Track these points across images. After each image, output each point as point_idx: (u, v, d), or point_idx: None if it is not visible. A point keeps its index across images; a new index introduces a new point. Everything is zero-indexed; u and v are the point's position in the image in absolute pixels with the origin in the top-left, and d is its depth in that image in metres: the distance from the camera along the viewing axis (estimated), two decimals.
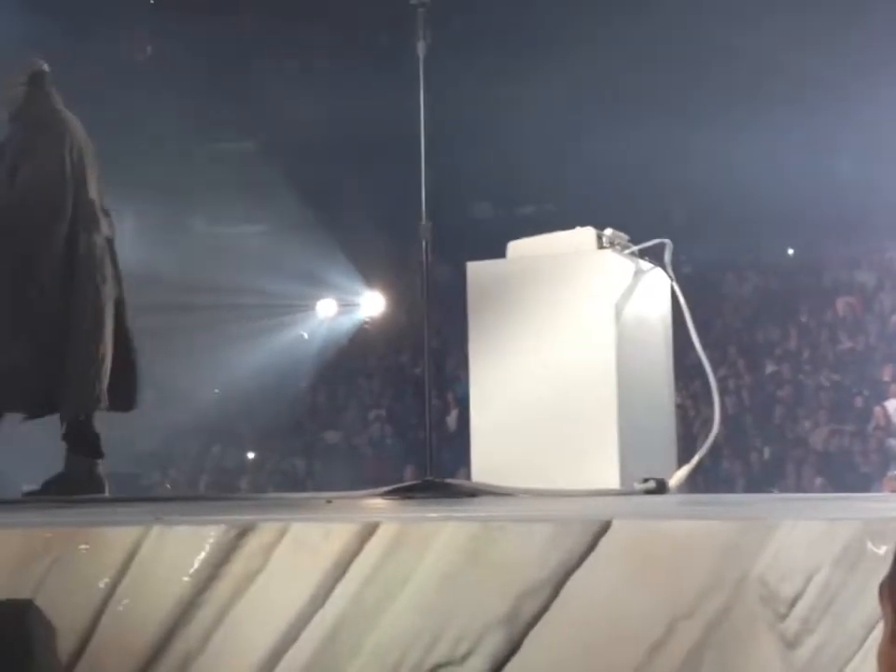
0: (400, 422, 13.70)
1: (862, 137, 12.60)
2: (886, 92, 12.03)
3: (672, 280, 4.64)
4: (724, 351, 13.34)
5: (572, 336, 4.32)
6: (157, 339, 14.17)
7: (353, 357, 15.67)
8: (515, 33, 13.01)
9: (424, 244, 4.32)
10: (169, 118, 12.95)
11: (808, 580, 2.24)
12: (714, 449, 11.11)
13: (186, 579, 2.54)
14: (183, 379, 13.94)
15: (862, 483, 11.13)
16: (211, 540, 2.56)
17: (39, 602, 2.54)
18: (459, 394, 11.55)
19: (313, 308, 16.34)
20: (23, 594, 2.56)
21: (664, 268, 4.62)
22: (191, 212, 13.98)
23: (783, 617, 2.25)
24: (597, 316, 4.28)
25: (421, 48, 4.41)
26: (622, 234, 4.59)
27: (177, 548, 2.58)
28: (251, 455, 14.73)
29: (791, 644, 2.24)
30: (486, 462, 4.42)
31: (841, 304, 14.06)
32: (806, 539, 2.29)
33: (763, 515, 2.71)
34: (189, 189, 13.84)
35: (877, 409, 12.14)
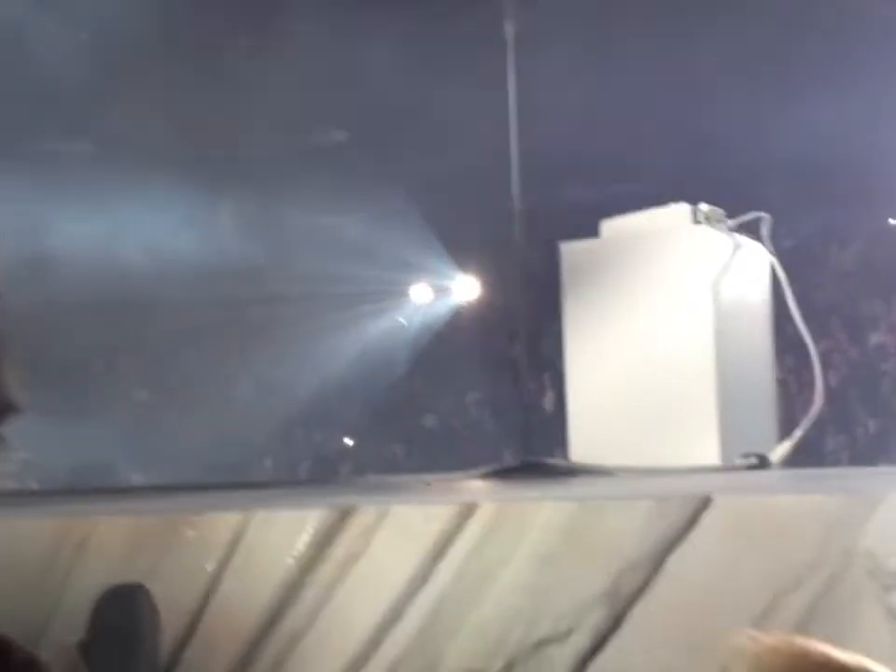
0: (498, 405, 13.71)
1: None
2: None
3: (771, 254, 4.57)
4: (827, 324, 13.08)
5: (669, 314, 4.27)
6: (257, 330, 14.43)
7: (449, 342, 15.72)
8: (608, 11, 12.88)
9: (516, 225, 4.32)
10: (262, 110, 13.10)
11: None
12: (818, 424, 10.89)
13: (290, 561, 2.59)
14: (283, 369, 14.15)
15: None
16: (314, 524, 2.60)
17: (150, 586, 2.62)
18: (554, 376, 11.52)
19: (408, 294, 16.43)
20: (133, 578, 2.63)
21: (761, 242, 4.55)
22: (286, 204, 14.13)
23: (890, 589, 2.22)
24: (694, 293, 4.23)
25: (509, 27, 4.40)
26: (717, 209, 4.52)
27: (281, 532, 2.63)
28: (351, 442, 14.90)
29: None
30: (584, 442, 4.40)
31: None
32: None
33: (868, 488, 2.67)
34: (283, 182, 14.00)
35: None
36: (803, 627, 2.29)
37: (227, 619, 2.62)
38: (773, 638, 0.91)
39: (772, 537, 2.35)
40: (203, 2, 12.05)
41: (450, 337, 15.89)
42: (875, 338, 13.47)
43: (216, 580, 2.63)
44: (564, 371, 4.60)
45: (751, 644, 0.91)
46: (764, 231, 4.47)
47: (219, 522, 2.69)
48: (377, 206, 14.52)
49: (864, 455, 11.39)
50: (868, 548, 2.26)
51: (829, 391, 10.63)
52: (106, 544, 2.73)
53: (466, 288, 16.40)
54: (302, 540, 2.58)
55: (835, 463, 11.06)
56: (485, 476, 4.08)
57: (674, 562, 2.41)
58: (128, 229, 12.98)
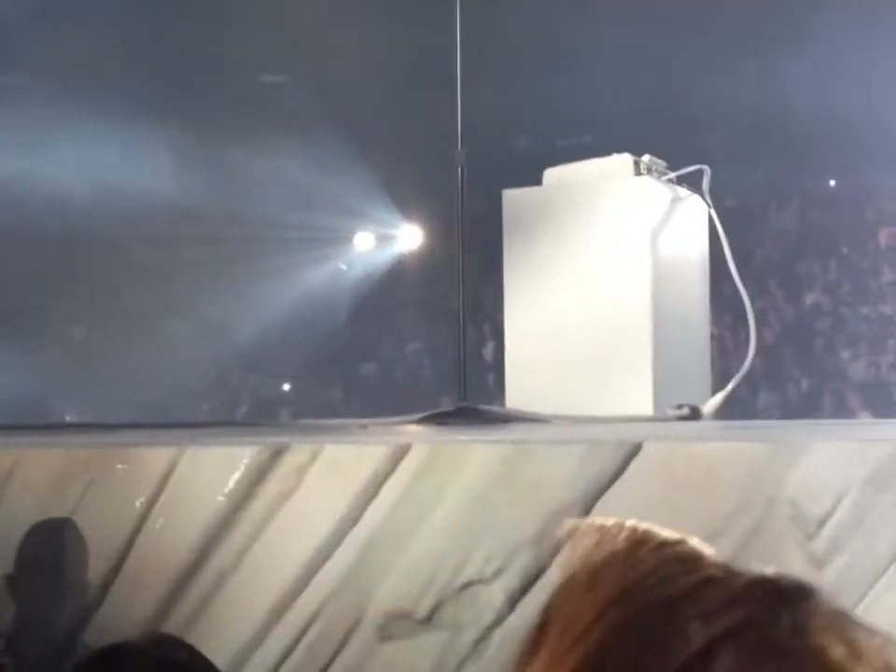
0: (438, 354, 13.73)
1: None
2: None
3: (710, 207, 4.59)
4: (764, 282, 13.23)
5: (607, 263, 4.28)
6: (194, 272, 14.28)
7: (391, 290, 15.68)
8: None
9: (459, 171, 4.29)
10: (204, 46, 12.90)
11: (838, 500, 2.24)
12: (752, 380, 11.07)
13: (220, 498, 2.58)
14: (220, 311, 14.04)
15: None
16: (246, 461, 2.59)
17: (78, 520, 2.60)
18: (495, 326, 11.55)
19: (350, 241, 16.34)
20: (62, 512, 2.61)
21: (702, 195, 4.56)
22: (228, 144, 13.95)
23: (812, 536, 2.26)
24: (633, 243, 4.24)
25: None
26: (659, 161, 4.53)
27: (212, 468, 2.62)
28: (289, 387, 14.86)
29: (819, 563, 2.25)
30: (520, 390, 4.42)
31: (884, 235, 13.88)
32: (837, 460, 2.29)
33: (793, 439, 2.71)
34: (224, 122, 13.81)
35: None
36: None
37: (155, 555, 2.61)
38: (602, 521, 0.92)
39: (699, 483, 2.38)
40: None
41: (392, 285, 15.86)
42: (810, 297, 13.65)
43: (145, 515, 2.62)
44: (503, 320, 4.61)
45: (582, 528, 0.92)
46: (705, 183, 4.49)
47: (150, 456, 2.67)
48: (320, 151, 14.38)
49: (796, 412, 11.58)
50: (791, 496, 2.30)
51: (764, 348, 10.78)
52: (34, 477, 2.70)
53: (409, 237, 16.35)
54: (233, 478, 2.57)
55: (768, 419, 11.24)
56: (421, 421, 4.08)
57: (603, 506, 2.43)
58: (65, 163, 12.75)
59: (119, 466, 2.64)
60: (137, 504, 2.62)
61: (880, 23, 12.17)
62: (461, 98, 4.46)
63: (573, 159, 4.60)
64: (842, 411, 11.31)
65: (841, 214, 14.19)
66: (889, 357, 12.23)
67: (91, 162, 12.97)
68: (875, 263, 13.60)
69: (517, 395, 4.43)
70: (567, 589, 0.91)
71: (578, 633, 0.85)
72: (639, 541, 0.90)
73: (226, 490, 2.58)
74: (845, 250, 13.90)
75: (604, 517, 0.92)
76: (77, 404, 13.14)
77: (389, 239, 16.43)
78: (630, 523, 0.90)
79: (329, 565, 2.53)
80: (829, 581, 2.23)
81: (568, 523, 0.91)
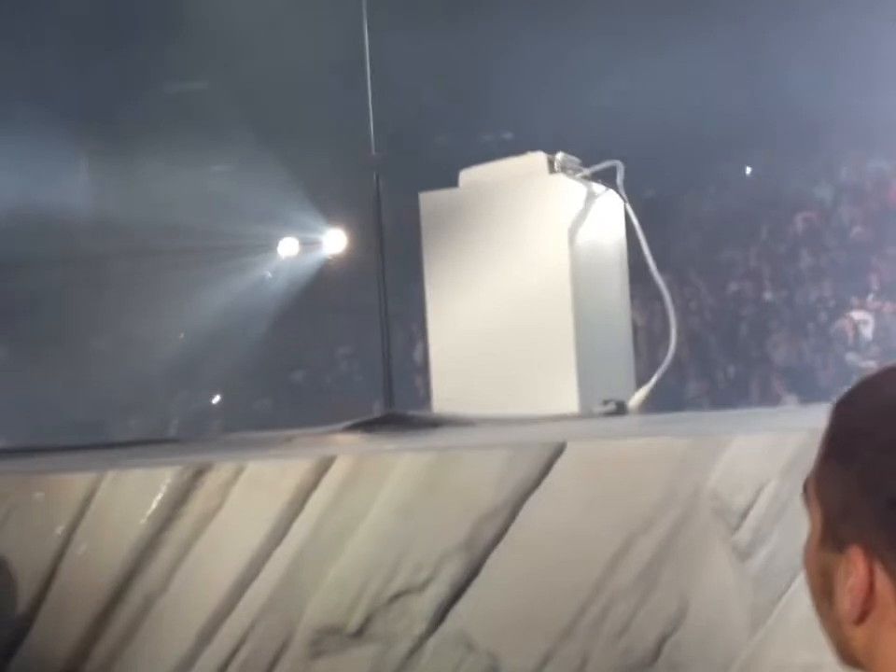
0: (367, 358, 13.69)
1: (816, 51, 12.55)
2: (837, 3, 11.98)
3: (625, 201, 4.62)
4: (685, 272, 13.40)
5: (526, 262, 4.30)
6: (117, 285, 14.08)
7: (317, 296, 15.61)
8: None
9: (374, 175, 4.28)
10: (118, 59, 12.74)
11: (759, 491, 2.27)
12: (679, 370, 11.18)
13: (143, 521, 2.54)
14: (146, 325, 13.87)
15: (827, 397, 11.25)
16: (167, 482, 2.56)
17: None
18: (425, 327, 11.54)
19: (275, 248, 16.25)
20: None
21: (616, 190, 4.60)
22: (146, 155, 13.79)
23: (735, 529, 2.28)
24: (550, 241, 4.26)
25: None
26: (573, 158, 4.56)
27: (134, 491, 2.58)
28: (219, 398, 14.73)
29: (743, 554, 2.28)
30: (447, 392, 4.42)
31: (800, 220, 14.12)
32: (756, 451, 2.31)
33: (714, 430, 2.74)
34: (142, 133, 13.65)
35: (844, 322, 12.25)
36: (653, 568, 2.35)
37: (79, 582, 2.56)
38: None
39: (623, 480, 2.40)
40: None
41: (318, 291, 15.79)
42: (733, 285, 13.84)
43: (66, 542, 2.57)
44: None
45: None
46: (619, 178, 4.53)
47: (69, 482, 2.62)
48: (240, 158, 14.29)
49: (724, 399, 11.73)
50: (714, 489, 2.32)
51: (690, 338, 10.91)
52: None
53: (334, 241, 16.29)
54: (156, 499, 2.53)
55: (696, 408, 11.37)
56: (348, 430, 4.06)
57: (529, 508, 2.44)
58: None
59: (37, 494, 2.58)
60: (58, 531, 2.57)
61: (792, 14, 12.38)
62: (372, 101, 4.45)
63: (492, 158, 4.61)
64: (768, 396, 11.49)
65: (758, 200, 14.41)
66: (811, 341, 12.44)
67: (8, 181, 12.75)
68: (794, 248, 13.83)
69: (444, 397, 4.43)
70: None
71: None
72: None
73: (148, 512, 2.54)
74: (764, 236, 14.12)
75: None
76: (1, 425, 12.91)
77: (314, 244, 16.36)
78: None
79: (256, 583, 2.50)
80: (753, 572, 2.26)
81: None
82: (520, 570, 2.45)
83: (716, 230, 14.44)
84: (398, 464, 2.54)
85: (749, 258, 14.01)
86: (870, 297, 12.64)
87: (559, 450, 2.45)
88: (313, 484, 2.52)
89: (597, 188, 4.52)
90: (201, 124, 13.86)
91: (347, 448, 3.18)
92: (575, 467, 2.44)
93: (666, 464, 2.38)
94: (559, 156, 4.45)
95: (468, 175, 4.52)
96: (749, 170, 15.31)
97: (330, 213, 15.86)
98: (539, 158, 4.41)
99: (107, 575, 2.53)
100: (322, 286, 15.91)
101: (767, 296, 13.44)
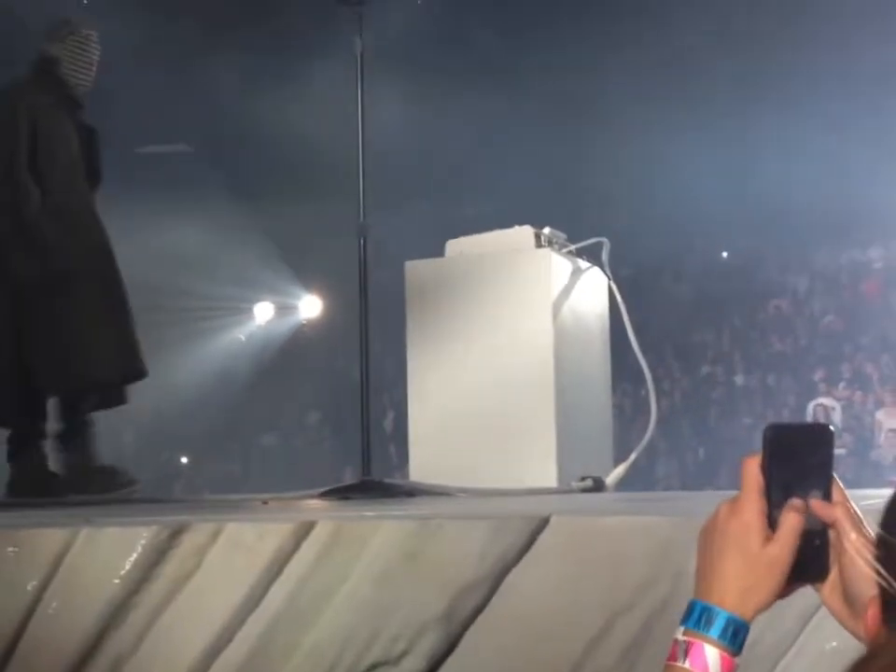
0: (339, 424, 13.64)
1: (790, 141, 12.78)
2: (810, 95, 12.22)
3: (609, 279, 4.66)
4: (660, 352, 13.46)
5: (510, 335, 4.31)
6: None
7: (291, 360, 15.58)
8: (455, 34, 13.03)
9: (361, 242, 4.29)
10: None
11: None
12: (651, 450, 11.19)
13: (116, 581, 2.49)
14: None
15: None
16: (143, 542, 2.51)
17: None
18: (396, 396, 11.52)
19: (250, 311, 16.23)
20: None
21: (601, 267, 4.63)
22: (124, 214, 13.80)
23: None
24: (535, 315, 4.28)
25: (358, 46, 4.38)
26: (560, 233, 4.60)
27: (108, 550, 2.53)
28: (188, 459, 14.60)
29: None
30: (424, 462, 4.40)
31: (773, 306, 14.26)
32: None
33: (698, 510, 2.72)
34: (122, 192, 13.68)
35: (818, 408, 12.33)
36: (635, 648, 2.31)
37: (48, 640, 2.50)
38: None
39: (607, 557, 2.37)
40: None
41: (292, 356, 15.76)
42: (705, 367, 13.91)
43: (37, 599, 2.51)
44: (406, 390, 4.59)
45: None
46: (604, 256, 4.56)
47: (43, 538, 2.56)
48: (220, 222, 14.31)
49: (694, 480, 11.73)
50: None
51: (661, 418, 10.93)
52: None
53: (309, 307, 16.29)
54: (130, 559, 2.48)
55: (667, 488, 11.36)
56: (323, 495, 4.03)
57: (511, 582, 2.41)
58: None
59: (10, 549, 2.53)
60: (29, 587, 2.51)
61: (764, 106, 12.62)
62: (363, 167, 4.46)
63: (476, 228, 4.64)
64: (738, 479, 11.48)
65: (733, 285, 14.56)
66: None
67: None
68: (765, 333, 13.94)
69: (421, 466, 4.41)
70: None
71: None
72: None
73: (122, 572, 2.49)
74: (736, 321, 14.24)
75: None
76: None
77: (289, 309, 16.35)
78: None
79: (229, 650, 2.45)
80: None
81: None
82: (499, 645, 2.41)
83: (689, 312, 14.55)
84: (378, 531, 2.50)
85: (722, 341, 14.11)
86: (841, 385, 12.73)
87: (543, 523, 2.43)
88: (292, 549, 2.48)
89: (583, 263, 4.55)
90: (179, 185, 13.91)
91: (327, 513, 3.14)
92: (558, 541, 2.41)
93: (651, 542, 2.35)
94: (546, 230, 4.48)
95: (454, 246, 4.54)
96: (725, 254, 15.49)
97: (307, 278, 15.89)
98: (526, 231, 4.44)
99: (77, 634, 2.47)
100: (295, 350, 15.88)
101: (737, 380, 13.52)
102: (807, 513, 1.22)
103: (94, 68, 4.90)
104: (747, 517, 1.24)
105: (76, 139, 4.84)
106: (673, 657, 1.23)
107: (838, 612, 1.24)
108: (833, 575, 1.24)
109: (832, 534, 1.24)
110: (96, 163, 4.95)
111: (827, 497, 1.23)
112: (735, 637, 1.23)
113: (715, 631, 1.22)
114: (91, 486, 4.60)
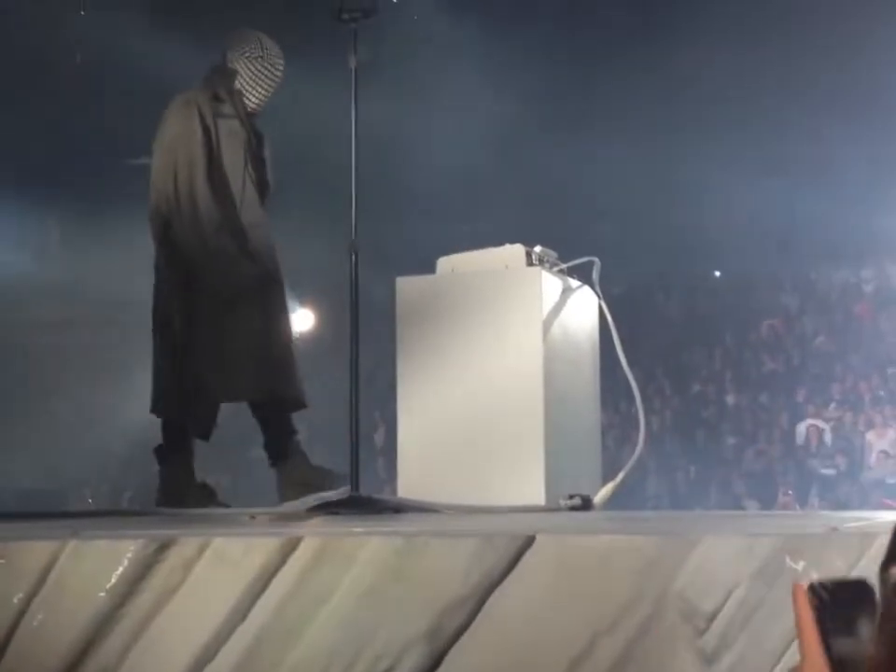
0: (328, 439, 13.61)
1: (786, 161, 12.84)
2: (805, 115, 12.29)
3: (600, 298, 4.67)
4: (652, 371, 13.48)
5: (500, 352, 4.32)
6: (82, 355, 13.98)
7: None
8: (449, 49, 13.07)
9: (353, 258, 4.30)
10: (94, 128, 12.80)
11: (727, 595, 2.26)
12: (641, 468, 11.19)
13: (102, 594, 2.49)
14: (106, 395, 13.75)
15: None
16: (129, 555, 2.51)
17: None
18: (387, 411, 11.52)
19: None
20: None
21: (592, 286, 4.65)
22: (116, 228, 13.81)
23: (702, 632, 2.27)
24: (525, 333, 4.29)
25: (352, 62, 4.41)
26: (551, 252, 4.61)
27: (94, 562, 2.53)
28: None
29: (709, 659, 2.26)
30: (413, 478, 4.40)
31: (765, 326, 14.29)
32: (726, 554, 2.31)
33: (684, 531, 2.73)
34: (113, 205, 13.69)
35: (810, 429, 12.36)
36: (618, 668, 2.32)
37: (34, 653, 2.50)
38: None
39: (591, 577, 2.38)
40: (38, 10, 11.75)
41: None
42: (696, 386, 13.92)
43: (22, 612, 2.51)
44: (395, 406, 4.60)
45: None
46: (595, 275, 4.58)
47: (29, 550, 2.57)
48: None
49: (685, 499, 11.73)
50: (682, 590, 2.31)
51: (652, 437, 10.95)
52: None
53: (302, 320, 16.28)
54: (116, 573, 2.49)
55: (656, 506, 11.36)
56: (311, 510, 4.03)
57: (496, 600, 2.41)
58: None
59: None
60: (15, 600, 2.51)
61: (751, 132, 12.68)
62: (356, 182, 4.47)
63: (468, 245, 4.66)
64: (728, 498, 11.49)
65: (725, 304, 14.59)
66: (773, 447, 12.51)
67: None
68: (756, 353, 13.96)
69: (410, 482, 4.41)
70: None
71: None
72: None
73: (108, 585, 2.49)
74: (728, 340, 14.26)
75: None
76: None
77: None
78: None
79: (215, 662, 2.45)
80: None
81: None
82: (483, 663, 2.42)
83: (681, 331, 14.58)
84: (365, 548, 2.51)
85: (713, 360, 14.13)
86: (832, 405, 12.76)
87: (528, 542, 2.43)
88: (278, 564, 2.48)
89: (573, 282, 4.57)
90: None
91: (314, 528, 3.14)
92: (544, 560, 2.42)
93: (636, 562, 2.36)
94: (537, 249, 4.50)
95: (445, 263, 4.56)
96: (717, 273, 15.53)
97: (299, 293, 15.87)
98: (517, 250, 4.46)
99: (63, 647, 2.48)
100: None
101: (728, 399, 13.53)
102: None
103: (271, 94, 4.85)
104: None
105: (248, 146, 4.80)
106: None
107: None
108: None
109: None
110: (265, 171, 4.90)
111: None
112: None
113: None
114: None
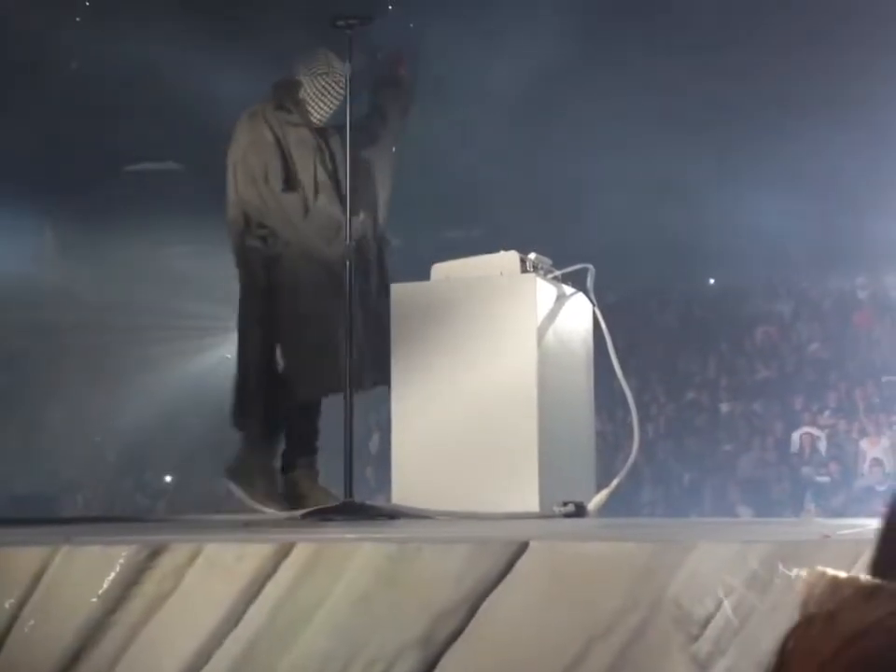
0: (323, 445, 13.59)
1: (779, 168, 12.86)
2: (801, 124, 12.30)
3: (594, 305, 4.67)
4: (646, 378, 13.48)
5: (494, 359, 4.32)
6: (78, 359, 13.95)
7: None
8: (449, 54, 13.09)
9: (348, 264, 4.29)
10: (89, 135, 12.80)
11: (720, 601, 2.26)
12: (634, 475, 11.19)
13: (94, 600, 2.49)
14: (101, 400, 13.74)
15: (779, 508, 11.30)
16: (121, 561, 2.51)
17: None
18: (381, 418, 11.51)
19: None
20: None
21: (586, 293, 4.64)
22: (112, 232, 13.80)
23: (695, 638, 2.27)
24: (520, 340, 4.29)
25: (347, 68, 4.41)
26: (545, 259, 4.61)
27: (87, 568, 2.53)
28: (172, 477, 14.54)
29: (702, 665, 2.26)
30: (407, 485, 4.39)
31: (759, 333, 14.29)
32: (719, 561, 2.31)
33: (677, 538, 2.73)
34: (110, 210, 13.68)
35: (804, 437, 12.36)
36: None
37: (25, 659, 2.50)
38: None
39: (585, 583, 2.38)
40: (34, 17, 11.75)
41: None
42: (690, 393, 13.93)
43: (15, 617, 2.51)
44: (390, 412, 4.59)
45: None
46: (589, 282, 4.58)
47: (21, 555, 2.57)
48: (206, 238, 14.30)
49: (678, 507, 11.72)
50: (675, 597, 2.31)
51: (646, 444, 10.94)
52: None
53: None
54: (108, 578, 2.48)
55: (651, 513, 11.35)
56: (304, 516, 4.03)
57: (489, 606, 2.41)
58: None
59: None
60: (7, 605, 2.51)
61: (761, 137, 12.70)
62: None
63: (463, 252, 4.65)
64: (722, 505, 11.49)
65: (719, 311, 14.60)
66: (768, 454, 12.51)
67: None
68: (751, 360, 13.97)
69: (404, 489, 4.40)
70: (805, 628, 1.06)
71: (818, 664, 1.01)
72: (872, 591, 1.04)
73: (100, 591, 2.49)
74: (722, 347, 14.27)
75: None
76: None
77: None
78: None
79: (207, 669, 2.45)
80: None
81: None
82: (476, 669, 2.42)
83: (676, 338, 14.58)
84: (357, 554, 2.51)
85: (707, 368, 14.14)
86: (826, 413, 12.77)
87: (522, 548, 2.43)
88: (271, 570, 2.48)
89: (568, 289, 4.56)
90: (166, 203, 13.90)
91: (306, 535, 3.14)
92: (537, 566, 2.42)
93: (629, 569, 2.36)
94: (532, 256, 4.49)
95: (440, 270, 4.56)
96: (712, 281, 15.54)
97: None
98: (511, 256, 4.45)
99: (55, 652, 2.47)
100: None
101: (722, 406, 13.54)
102: None
103: (333, 110, 4.82)
104: None
105: (318, 154, 4.78)
106: None
107: None
108: None
109: None
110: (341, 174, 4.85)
111: None
112: None
113: None
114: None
